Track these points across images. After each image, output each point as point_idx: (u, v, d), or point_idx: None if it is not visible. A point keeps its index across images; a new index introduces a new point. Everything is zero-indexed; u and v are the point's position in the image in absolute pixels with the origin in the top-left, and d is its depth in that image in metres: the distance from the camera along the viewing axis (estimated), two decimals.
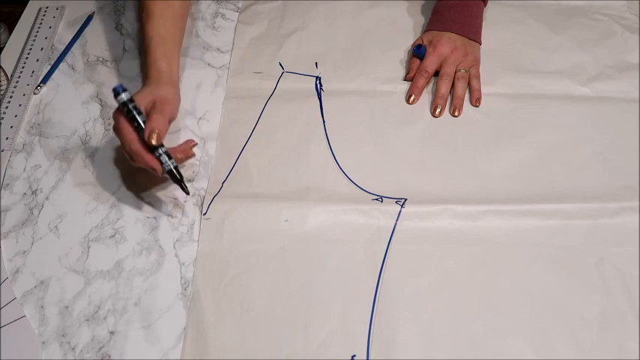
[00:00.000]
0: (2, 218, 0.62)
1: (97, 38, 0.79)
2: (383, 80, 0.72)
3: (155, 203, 0.62)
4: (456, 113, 0.69)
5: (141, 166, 0.58)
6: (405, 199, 0.60)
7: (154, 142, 0.56)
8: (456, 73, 0.70)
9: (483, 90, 0.70)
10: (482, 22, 0.75)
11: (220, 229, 0.59)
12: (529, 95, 0.70)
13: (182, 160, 0.61)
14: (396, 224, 0.59)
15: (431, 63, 0.71)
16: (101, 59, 0.77)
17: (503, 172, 0.63)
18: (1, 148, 0.67)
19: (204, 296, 0.55)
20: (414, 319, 0.53)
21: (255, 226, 0.59)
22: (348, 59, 0.75)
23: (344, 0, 0.81)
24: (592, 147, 0.65)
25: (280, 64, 0.74)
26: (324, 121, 0.69)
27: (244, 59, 0.75)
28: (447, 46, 0.71)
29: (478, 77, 0.71)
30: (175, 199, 0.62)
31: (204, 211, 0.60)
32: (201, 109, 0.71)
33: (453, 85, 0.70)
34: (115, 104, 0.58)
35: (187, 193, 0.59)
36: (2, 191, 0.64)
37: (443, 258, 0.57)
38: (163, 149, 0.57)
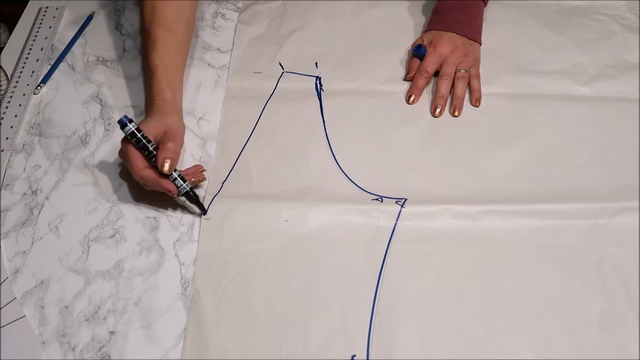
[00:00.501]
0: (2, 218, 0.62)
1: (97, 38, 0.79)
2: (383, 80, 0.72)
3: (155, 203, 0.62)
4: (456, 113, 0.69)
5: (156, 190, 0.59)
6: (405, 199, 0.60)
7: (166, 169, 0.57)
8: (456, 73, 0.70)
9: (483, 90, 0.70)
10: (482, 22, 0.75)
11: (220, 229, 0.59)
12: (529, 95, 0.70)
13: (194, 182, 0.61)
14: (396, 224, 0.59)
15: (431, 63, 0.71)
16: (101, 59, 0.76)
17: (503, 172, 0.63)
18: (1, 148, 0.67)
19: (204, 296, 0.55)
20: (414, 319, 0.53)
21: (255, 226, 0.59)
22: (348, 59, 0.75)
23: (344, 0, 0.81)
24: (592, 147, 0.65)
25: (280, 64, 0.74)
26: (324, 121, 0.68)
27: (244, 59, 0.75)
28: (447, 46, 0.71)
29: (478, 77, 0.71)
30: (176, 199, 0.62)
31: None
32: (201, 109, 0.71)
33: (453, 85, 0.70)
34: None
35: (205, 212, 0.60)
36: (2, 191, 0.64)
37: (443, 258, 0.57)
38: (177, 173, 0.58)
